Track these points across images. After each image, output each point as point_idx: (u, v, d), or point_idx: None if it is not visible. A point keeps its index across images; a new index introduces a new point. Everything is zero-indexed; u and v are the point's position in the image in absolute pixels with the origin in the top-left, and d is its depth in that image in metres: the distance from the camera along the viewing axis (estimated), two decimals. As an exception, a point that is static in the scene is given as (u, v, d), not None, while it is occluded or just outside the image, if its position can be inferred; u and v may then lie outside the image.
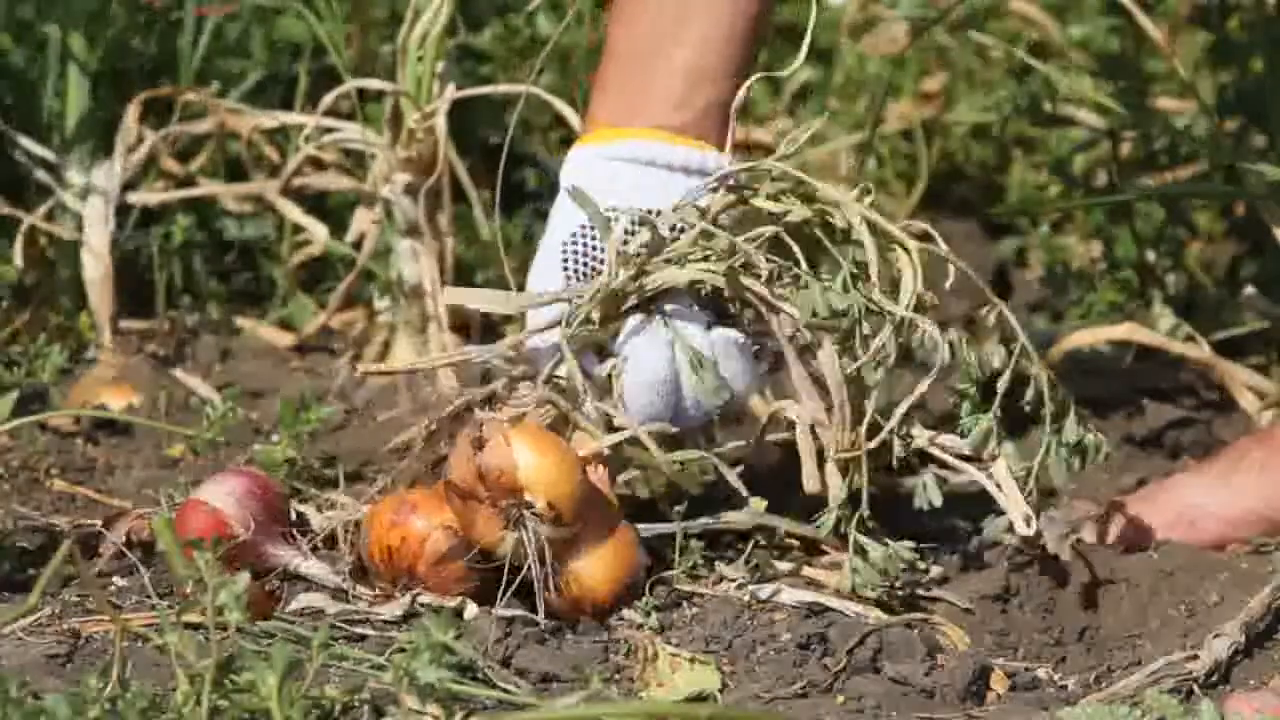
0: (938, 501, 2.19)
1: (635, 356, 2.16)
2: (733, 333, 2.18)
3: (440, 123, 2.69)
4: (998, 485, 2.15)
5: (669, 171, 2.23)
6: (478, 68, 3.21)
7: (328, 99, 2.72)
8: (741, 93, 2.21)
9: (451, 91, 2.69)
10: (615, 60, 2.28)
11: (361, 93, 2.76)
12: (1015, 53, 3.14)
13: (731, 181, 2.18)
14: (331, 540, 2.22)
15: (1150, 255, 3.04)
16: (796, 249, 2.15)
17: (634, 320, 2.17)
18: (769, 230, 2.16)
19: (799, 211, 2.16)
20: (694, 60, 2.23)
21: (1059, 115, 3.06)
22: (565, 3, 3.31)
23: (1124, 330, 2.72)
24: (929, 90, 3.55)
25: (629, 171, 2.23)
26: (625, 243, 2.17)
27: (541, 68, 2.50)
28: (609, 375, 2.16)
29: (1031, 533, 2.13)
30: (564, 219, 2.24)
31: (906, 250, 2.15)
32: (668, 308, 2.17)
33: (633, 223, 2.18)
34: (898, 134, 3.45)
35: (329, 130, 2.77)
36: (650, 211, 2.17)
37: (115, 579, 2.16)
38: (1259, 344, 2.87)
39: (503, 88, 2.83)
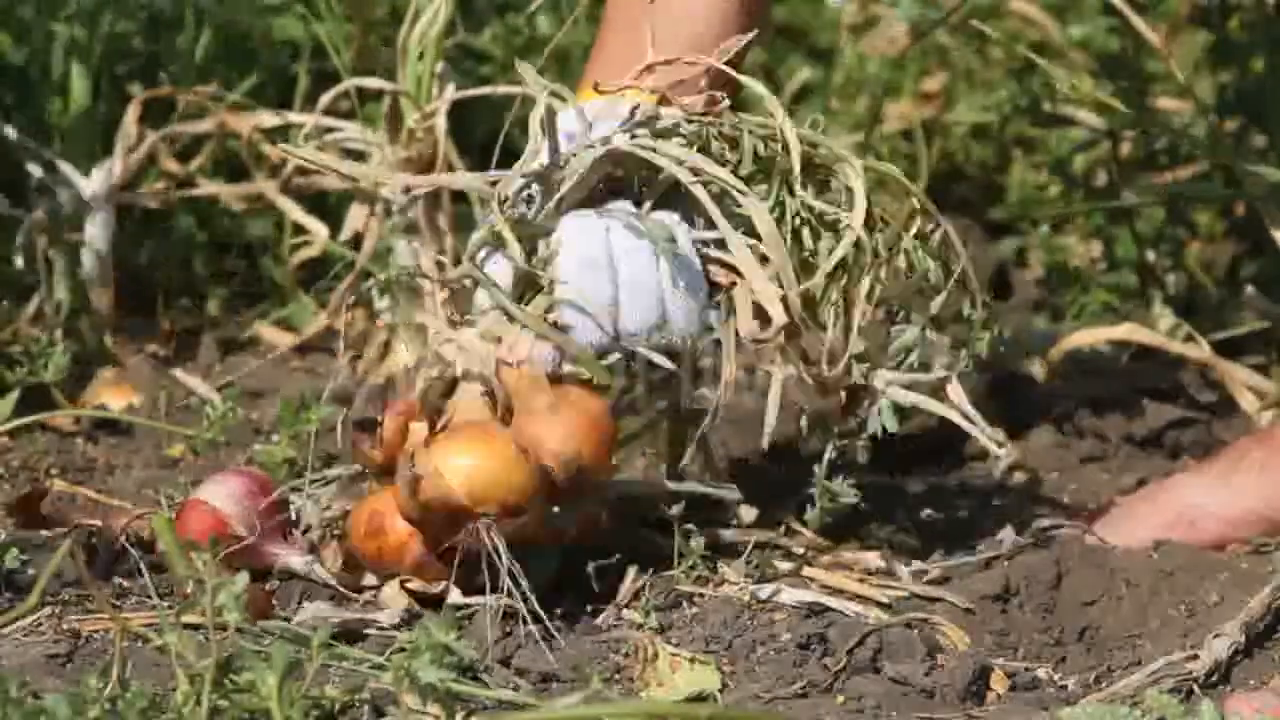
0: (893, 427, 2.17)
1: (570, 238, 2.12)
2: (670, 215, 2.15)
3: (440, 123, 2.69)
4: (962, 414, 2.15)
5: None
6: (478, 68, 3.21)
7: (326, 98, 2.72)
8: (734, 44, 2.18)
9: (451, 91, 2.69)
10: (612, 24, 2.28)
11: (361, 92, 2.76)
12: (1017, 48, 3.14)
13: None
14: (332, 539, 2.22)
15: (1150, 255, 3.04)
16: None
17: (571, 213, 2.15)
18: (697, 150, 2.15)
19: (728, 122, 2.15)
20: (689, 28, 2.22)
21: (1059, 115, 3.06)
22: (565, 3, 3.30)
23: (1124, 330, 2.72)
24: (929, 90, 3.55)
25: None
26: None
27: (542, 68, 2.49)
28: (544, 261, 2.13)
29: (1005, 454, 2.11)
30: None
31: (851, 164, 2.14)
32: (608, 206, 2.16)
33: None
34: (898, 134, 3.45)
35: (329, 130, 2.78)
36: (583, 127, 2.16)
37: (115, 579, 2.16)
38: (1259, 344, 2.87)
39: (503, 88, 2.84)
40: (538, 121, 2.12)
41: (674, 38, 2.22)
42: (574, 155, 2.13)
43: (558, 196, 2.13)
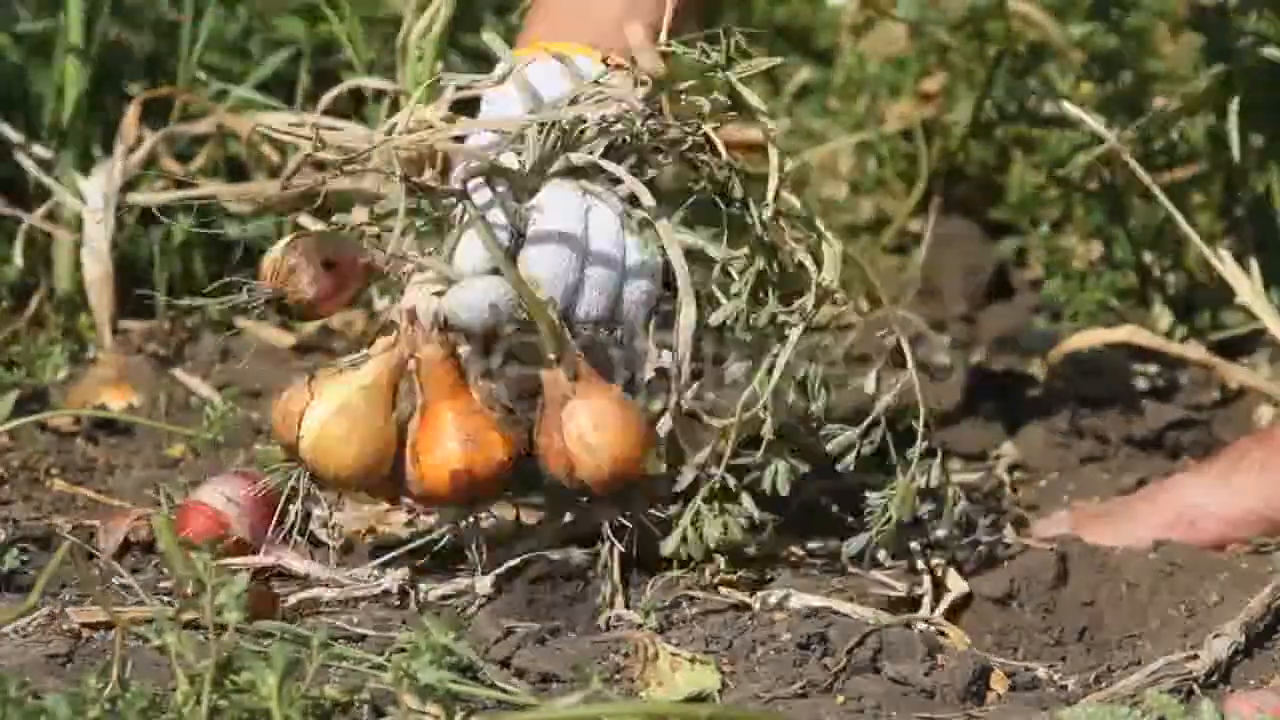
0: (784, 490, 2.16)
1: (549, 212, 2.11)
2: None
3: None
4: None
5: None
6: (478, 68, 3.20)
7: (327, 98, 2.72)
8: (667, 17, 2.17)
9: (451, 91, 2.69)
10: None
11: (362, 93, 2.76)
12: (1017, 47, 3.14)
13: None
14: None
15: (1149, 255, 3.04)
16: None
17: (555, 180, 2.14)
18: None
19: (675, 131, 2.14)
20: None
21: (1058, 115, 3.06)
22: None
23: (1124, 332, 2.71)
24: (929, 90, 3.55)
25: (556, 84, 2.19)
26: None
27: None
28: (518, 228, 2.12)
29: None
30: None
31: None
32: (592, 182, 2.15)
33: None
34: (898, 134, 3.45)
35: (329, 129, 2.77)
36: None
37: (115, 579, 2.16)
38: (1259, 344, 2.87)
39: (502, 88, 2.83)
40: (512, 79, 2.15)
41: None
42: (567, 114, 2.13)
43: (538, 157, 2.12)
